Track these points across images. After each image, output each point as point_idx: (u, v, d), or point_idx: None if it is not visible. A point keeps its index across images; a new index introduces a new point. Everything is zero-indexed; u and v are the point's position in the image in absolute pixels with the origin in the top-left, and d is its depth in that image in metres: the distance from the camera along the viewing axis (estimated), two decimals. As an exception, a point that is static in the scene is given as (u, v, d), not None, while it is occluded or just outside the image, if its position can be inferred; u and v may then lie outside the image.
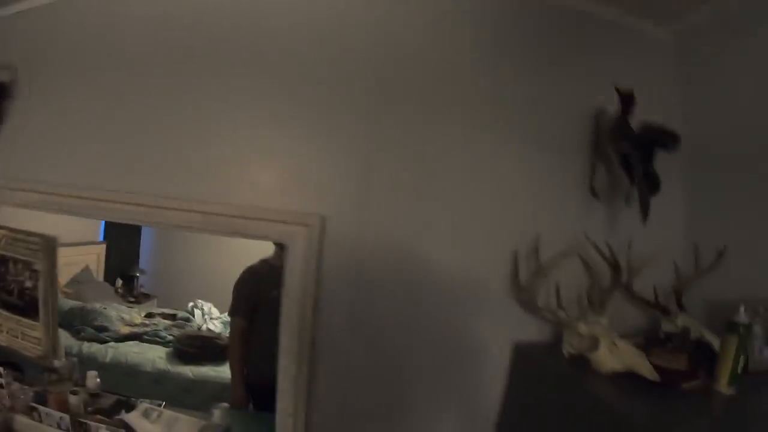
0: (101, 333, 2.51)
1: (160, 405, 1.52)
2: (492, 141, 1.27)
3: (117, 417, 1.41)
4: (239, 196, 1.23)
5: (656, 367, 0.97)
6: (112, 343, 2.48)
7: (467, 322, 1.27)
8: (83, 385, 1.46)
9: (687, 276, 1.28)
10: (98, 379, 1.50)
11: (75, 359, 1.58)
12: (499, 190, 1.28)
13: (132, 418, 1.41)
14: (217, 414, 1.58)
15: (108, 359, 2.32)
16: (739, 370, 0.94)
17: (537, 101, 1.28)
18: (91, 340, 2.46)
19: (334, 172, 1.25)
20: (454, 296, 1.26)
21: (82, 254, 3.07)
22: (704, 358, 0.99)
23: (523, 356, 1.24)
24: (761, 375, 1.01)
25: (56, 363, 1.46)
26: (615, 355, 1.02)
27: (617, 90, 1.17)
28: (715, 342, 1.03)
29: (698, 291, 1.26)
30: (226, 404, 1.74)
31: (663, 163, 1.18)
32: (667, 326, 1.18)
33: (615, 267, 1.15)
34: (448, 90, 1.26)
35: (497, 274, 1.26)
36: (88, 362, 2.10)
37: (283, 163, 1.27)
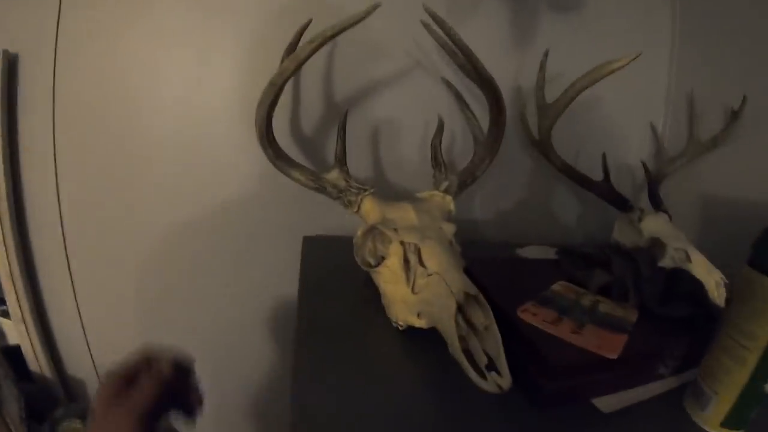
0: None
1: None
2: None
3: None
4: None
5: (540, 340, 0.39)
6: None
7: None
8: None
9: (668, 152, 0.80)
10: None
11: None
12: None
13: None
14: None
15: None
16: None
17: None
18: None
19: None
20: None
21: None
22: (681, 325, 0.43)
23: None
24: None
25: None
26: (418, 288, 0.43)
27: None
28: (713, 279, 0.51)
29: (690, 181, 0.78)
30: None
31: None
32: (622, 234, 0.69)
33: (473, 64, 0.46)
34: None
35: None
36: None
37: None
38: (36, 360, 0.81)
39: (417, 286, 0.43)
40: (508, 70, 0.79)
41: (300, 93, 0.77)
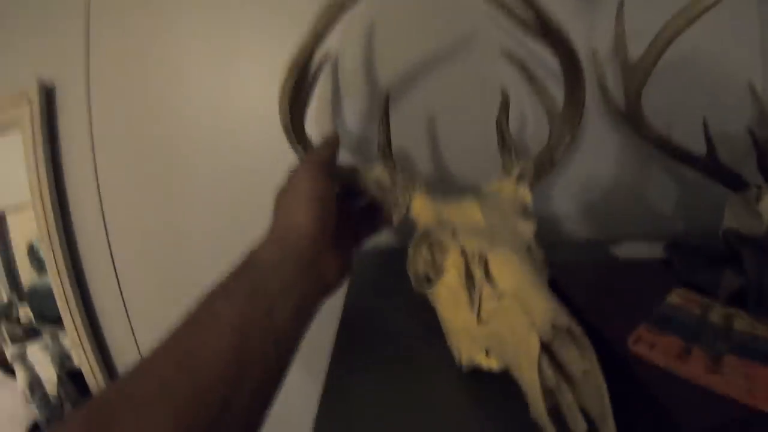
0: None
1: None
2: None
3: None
4: None
5: (667, 389, 0.28)
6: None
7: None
8: None
9: None
10: None
11: None
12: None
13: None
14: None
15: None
16: None
17: None
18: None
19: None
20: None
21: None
22: None
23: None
24: None
25: None
26: (485, 315, 0.32)
27: None
28: None
29: None
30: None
31: None
32: (737, 219, 0.55)
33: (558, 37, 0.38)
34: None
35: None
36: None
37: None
38: (96, 383, 0.81)
39: (484, 312, 0.31)
40: (578, 31, 0.66)
41: (339, 83, 0.71)
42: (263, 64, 0.71)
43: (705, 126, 0.57)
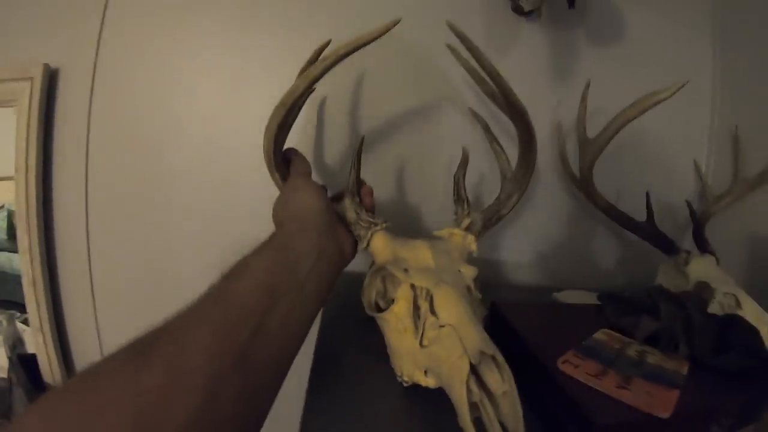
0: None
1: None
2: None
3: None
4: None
5: (584, 396, 0.34)
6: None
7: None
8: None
9: (713, 191, 0.76)
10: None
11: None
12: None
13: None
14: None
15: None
16: None
17: None
18: None
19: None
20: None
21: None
22: (735, 378, 0.39)
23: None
24: None
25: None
26: (427, 341, 0.37)
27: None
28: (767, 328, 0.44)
29: (737, 221, 0.76)
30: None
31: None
32: (667, 278, 0.64)
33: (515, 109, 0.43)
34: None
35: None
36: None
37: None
38: (50, 370, 0.80)
39: (426, 338, 0.37)
40: (547, 105, 0.77)
41: (324, 122, 0.77)
42: (264, 88, 0.75)
43: (647, 198, 0.67)
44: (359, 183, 0.52)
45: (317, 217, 0.42)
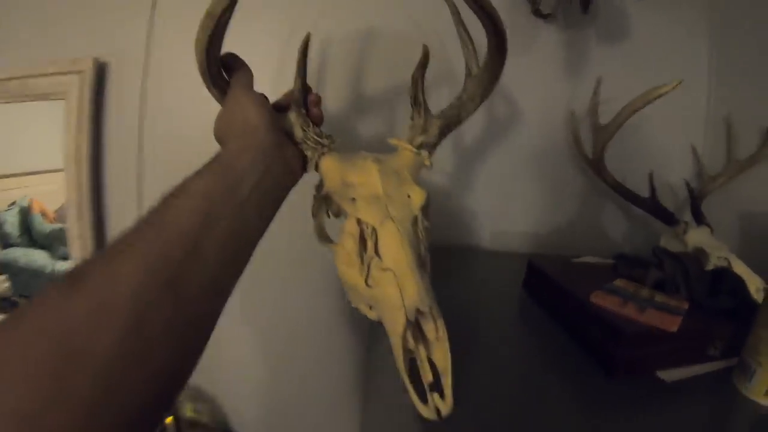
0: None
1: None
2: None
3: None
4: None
5: (612, 317, 0.44)
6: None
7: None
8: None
9: (708, 172, 0.85)
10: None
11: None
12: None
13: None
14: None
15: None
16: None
17: None
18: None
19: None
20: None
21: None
22: (726, 315, 0.48)
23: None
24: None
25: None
26: (372, 281, 0.38)
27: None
28: (754, 285, 0.54)
29: (729, 198, 0.85)
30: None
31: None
32: (668, 246, 0.72)
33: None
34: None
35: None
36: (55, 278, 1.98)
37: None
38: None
39: (371, 278, 0.37)
40: (562, 96, 0.87)
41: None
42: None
43: (650, 177, 0.78)
44: (305, 90, 0.47)
45: (262, 135, 0.39)
